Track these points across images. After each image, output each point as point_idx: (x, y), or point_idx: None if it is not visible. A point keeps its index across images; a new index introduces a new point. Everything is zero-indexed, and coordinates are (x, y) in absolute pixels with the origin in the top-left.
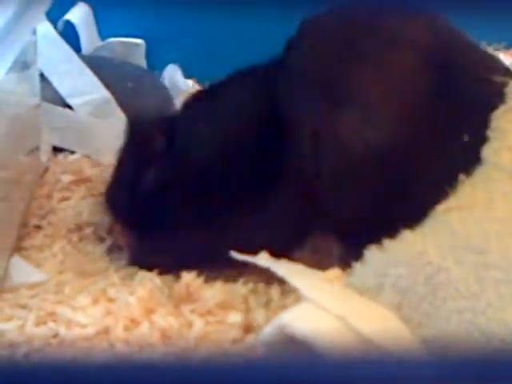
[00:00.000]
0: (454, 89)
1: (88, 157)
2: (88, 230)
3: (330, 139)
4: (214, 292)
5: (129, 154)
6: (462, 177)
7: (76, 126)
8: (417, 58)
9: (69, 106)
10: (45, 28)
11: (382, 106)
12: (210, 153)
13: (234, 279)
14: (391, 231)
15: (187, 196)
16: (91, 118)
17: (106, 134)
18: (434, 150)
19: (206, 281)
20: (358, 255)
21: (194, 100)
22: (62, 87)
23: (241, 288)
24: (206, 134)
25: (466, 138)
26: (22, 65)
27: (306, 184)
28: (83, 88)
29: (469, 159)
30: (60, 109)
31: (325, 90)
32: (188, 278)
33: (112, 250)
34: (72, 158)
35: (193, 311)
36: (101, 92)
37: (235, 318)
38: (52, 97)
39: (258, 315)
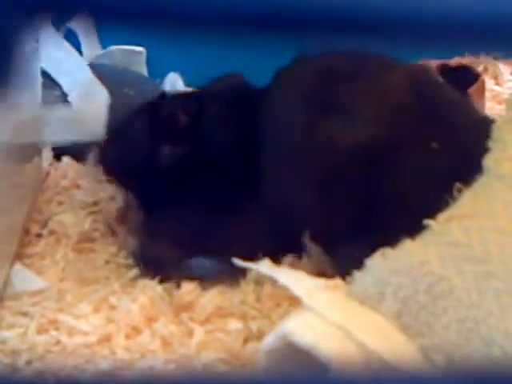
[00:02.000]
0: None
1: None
2: (89, 238)
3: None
4: (211, 299)
5: (144, 126)
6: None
7: (68, 118)
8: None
9: None
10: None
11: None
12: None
13: (231, 285)
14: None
15: (196, 179)
16: (81, 105)
17: (96, 114)
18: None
19: (203, 287)
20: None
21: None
22: (63, 81)
23: (238, 294)
24: (222, 131)
25: (435, 146)
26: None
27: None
28: (76, 79)
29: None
30: (50, 106)
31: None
32: (188, 287)
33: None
34: (73, 163)
35: (192, 319)
36: (86, 76)
37: (235, 325)
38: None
39: (257, 322)
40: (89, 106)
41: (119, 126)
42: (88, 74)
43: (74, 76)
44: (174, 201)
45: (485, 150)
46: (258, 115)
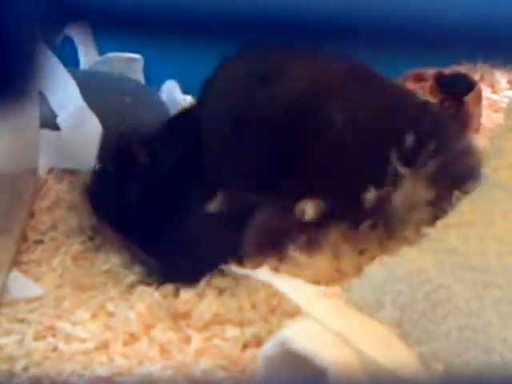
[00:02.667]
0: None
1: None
2: (87, 244)
3: None
4: (209, 305)
5: (113, 167)
6: None
7: (58, 144)
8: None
9: None
10: None
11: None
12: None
13: (227, 291)
14: None
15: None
16: (70, 132)
17: (85, 144)
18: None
19: (199, 295)
20: None
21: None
22: (53, 101)
23: (235, 300)
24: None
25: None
26: None
27: None
28: (66, 101)
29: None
30: (41, 131)
31: None
32: (186, 295)
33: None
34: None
35: (189, 326)
36: (76, 101)
37: (233, 332)
38: (47, 113)
39: (254, 328)
40: (79, 135)
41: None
42: (79, 100)
43: (64, 96)
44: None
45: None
46: (196, 129)
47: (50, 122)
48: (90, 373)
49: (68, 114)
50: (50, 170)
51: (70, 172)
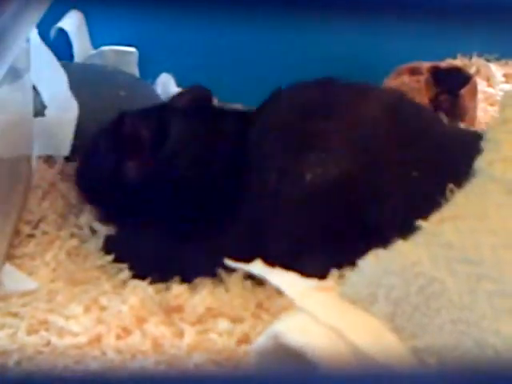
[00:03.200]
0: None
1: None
2: (80, 238)
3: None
4: (202, 300)
5: (109, 144)
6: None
7: (42, 131)
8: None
9: None
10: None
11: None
12: (188, 164)
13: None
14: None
15: (164, 194)
16: (55, 117)
17: (64, 128)
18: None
19: (192, 288)
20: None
21: (186, 105)
22: (45, 96)
23: (227, 295)
24: (190, 149)
25: (415, 174)
26: (15, 72)
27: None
28: (57, 96)
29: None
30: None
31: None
32: (178, 290)
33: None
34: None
35: (182, 320)
36: (65, 95)
37: (225, 326)
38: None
39: (247, 322)
40: (60, 121)
41: (88, 147)
42: (63, 86)
43: (55, 93)
44: (139, 216)
45: (465, 168)
46: (227, 136)
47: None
48: (82, 367)
49: (56, 104)
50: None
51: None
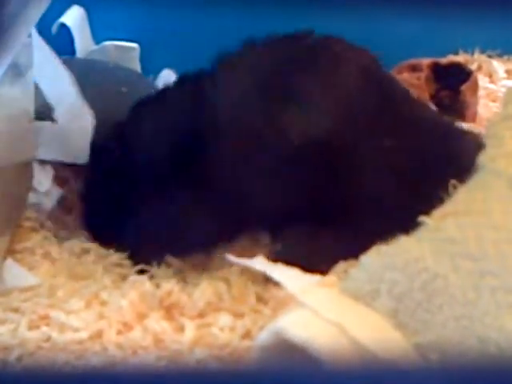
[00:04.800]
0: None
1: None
2: (80, 233)
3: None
4: (201, 293)
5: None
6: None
7: (54, 136)
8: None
9: None
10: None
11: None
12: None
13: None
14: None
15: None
16: (67, 124)
17: (80, 137)
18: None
19: (191, 282)
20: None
21: (144, 103)
22: (48, 94)
23: (226, 287)
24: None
25: (387, 143)
26: (16, 69)
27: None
28: (62, 95)
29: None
30: (38, 122)
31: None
32: (168, 286)
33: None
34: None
35: (182, 314)
36: (71, 96)
37: (226, 320)
38: (42, 103)
39: (248, 317)
40: (74, 128)
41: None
42: (74, 93)
43: (61, 90)
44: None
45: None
46: (203, 102)
47: (45, 113)
48: (83, 362)
49: (64, 107)
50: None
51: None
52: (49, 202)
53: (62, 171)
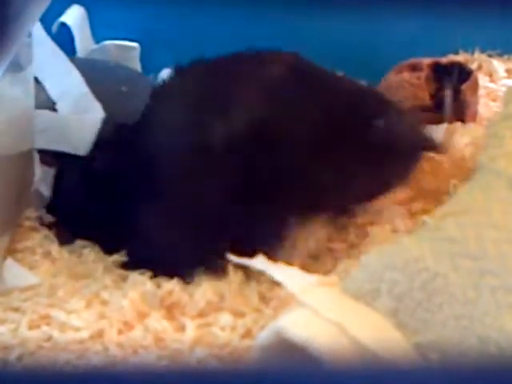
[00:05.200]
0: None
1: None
2: None
3: None
4: (202, 293)
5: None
6: None
7: (57, 126)
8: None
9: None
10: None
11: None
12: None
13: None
14: None
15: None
16: (71, 115)
17: (85, 128)
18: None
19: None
20: None
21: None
22: (52, 90)
23: (226, 287)
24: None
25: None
26: (16, 66)
27: None
28: (68, 89)
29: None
30: (40, 111)
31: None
32: (168, 286)
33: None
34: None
35: (183, 313)
36: (79, 87)
37: (227, 319)
38: (44, 100)
39: (248, 316)
40: (82, 120)
41: None
42: (82, 87)
43: (64, 84)
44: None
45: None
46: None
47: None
48: (84, 362)
49: (71, 101)
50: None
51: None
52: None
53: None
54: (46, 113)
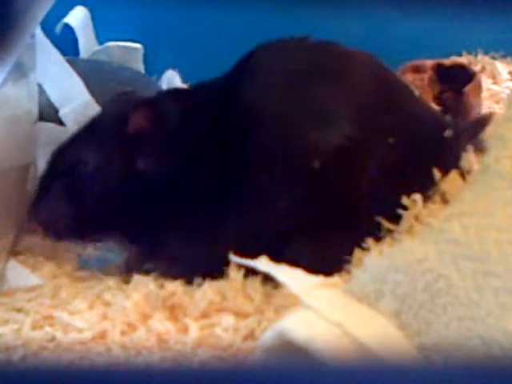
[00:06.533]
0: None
1: None
2: None
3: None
4: (204, 294)
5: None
6: None
7: (61, 138)
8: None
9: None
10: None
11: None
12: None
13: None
14: None
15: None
16: (74, 127)
17: None
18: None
19: (195, 283)
20: None
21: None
22: (53, 94)
23: (229, 288)
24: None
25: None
26: (20, 69)
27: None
28: (70, 94)
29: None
30: (44, 124)
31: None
32: (171, 287)
33: None
34: None
35: (186, 315)
36: (83, 96)
37: (230, 321)
38: (45, 104)
39: (251, 317)
40: None
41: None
42: (85, 94)
43: (67, 91)
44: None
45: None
46: (225, 110)
47: (49, 115)
48: (87, 363)
49: (73, 109)
50: None
51: None
52: None
53: None
54: (50, 125)
